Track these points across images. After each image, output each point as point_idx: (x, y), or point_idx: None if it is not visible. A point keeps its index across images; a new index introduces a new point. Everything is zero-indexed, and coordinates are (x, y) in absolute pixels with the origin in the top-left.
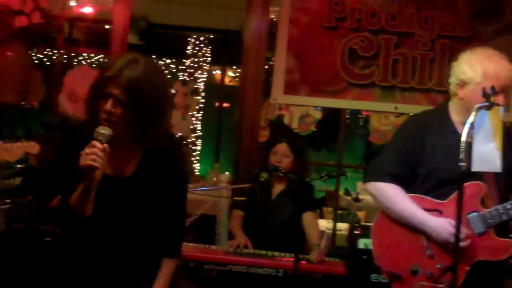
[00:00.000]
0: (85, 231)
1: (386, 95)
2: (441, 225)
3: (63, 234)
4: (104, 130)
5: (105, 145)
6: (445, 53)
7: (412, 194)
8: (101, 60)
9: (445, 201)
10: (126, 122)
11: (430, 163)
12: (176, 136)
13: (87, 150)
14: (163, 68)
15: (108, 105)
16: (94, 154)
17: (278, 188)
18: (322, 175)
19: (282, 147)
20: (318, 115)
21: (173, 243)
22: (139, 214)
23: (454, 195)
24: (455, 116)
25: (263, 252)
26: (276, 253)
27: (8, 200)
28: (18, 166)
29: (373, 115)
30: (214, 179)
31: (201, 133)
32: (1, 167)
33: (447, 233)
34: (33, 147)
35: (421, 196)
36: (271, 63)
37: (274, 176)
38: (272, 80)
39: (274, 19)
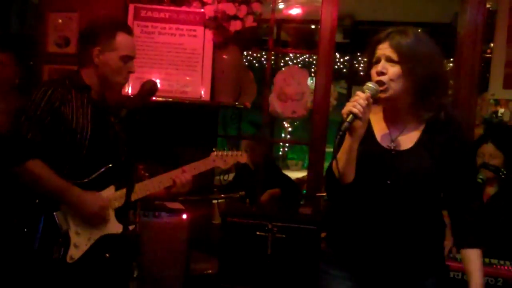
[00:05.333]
0: (362, 208)
1: None
2: None
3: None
4: (371, 84)
5: (368, 94)
6: None
7: None
8: (306, 60)
9: None
10: (402, 88)
11: None
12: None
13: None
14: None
15: (379, 66)
16: (355, 102)
17: (489, 191)
18: None
19: (487, 148)
20: None
21: (473, 230)
22: (419, 190)
23: None
24: None
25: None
26: (494, 261)
27: (222, 195)
28: None
29: None
30: None
31: None
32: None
33: None
34: (242, 157)
35: None
36: (486, 55)
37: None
38: (490, 74)
39: (490, 9)
